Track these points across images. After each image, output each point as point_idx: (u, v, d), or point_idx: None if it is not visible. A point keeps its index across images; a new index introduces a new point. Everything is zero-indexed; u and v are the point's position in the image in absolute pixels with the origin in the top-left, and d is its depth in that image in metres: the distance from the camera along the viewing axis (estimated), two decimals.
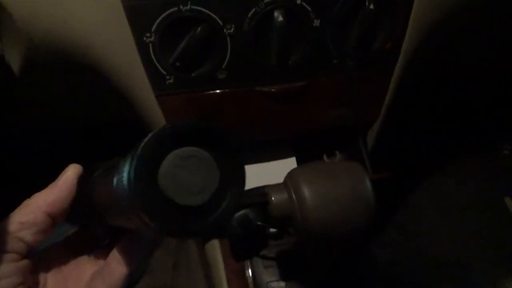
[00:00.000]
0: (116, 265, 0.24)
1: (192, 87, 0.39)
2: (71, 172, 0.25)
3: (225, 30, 0.36)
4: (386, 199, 0.40)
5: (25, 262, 0.23)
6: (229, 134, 0.21)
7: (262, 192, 0.35)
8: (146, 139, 0.19)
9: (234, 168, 0.21)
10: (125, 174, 0.19)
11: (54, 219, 0.24)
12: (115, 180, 0.20)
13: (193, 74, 0.38)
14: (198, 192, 0.19)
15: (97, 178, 0.25)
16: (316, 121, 0.44)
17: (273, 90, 0.41)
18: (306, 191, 0.32)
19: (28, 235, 0.23)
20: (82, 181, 0.26)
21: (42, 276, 0.25)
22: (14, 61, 0.38)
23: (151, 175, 0.19)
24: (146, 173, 0.19)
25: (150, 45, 0.36)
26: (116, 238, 0.26)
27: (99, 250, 0.27)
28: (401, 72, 0.43)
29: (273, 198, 0.33)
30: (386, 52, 0.41)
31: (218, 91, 0.40)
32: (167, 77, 0.38)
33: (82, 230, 0.28)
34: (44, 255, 0.26)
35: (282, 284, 0.45)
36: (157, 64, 0.37)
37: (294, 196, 0.33)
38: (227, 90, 0.40)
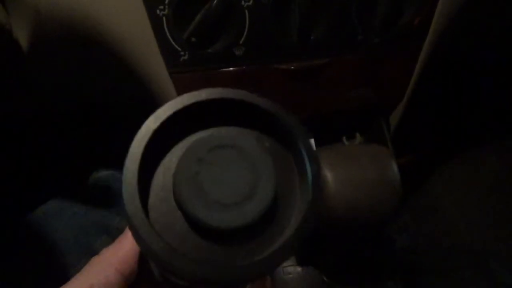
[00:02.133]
0: None
1: (208, 64, 0.37)
2: None
3: (243, 3, 0.34)
4: (403, 184, 0.39)
5: None
6: (290, 115, 0.13)
7: None
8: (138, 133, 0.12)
9: (301, 167, 0.13)
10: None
11: (126, 278, 0.20)
12: None
13: (209, 50, 0.36)
14: (239, 205, 0.12)
15: None
16: (337, 101, 0.42)
17: (292, 68, 0.38)
18: (329, 175, 0.31)
19: None
20: None
21: None
22: (22, 36, 0.37)
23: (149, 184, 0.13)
24: (142, 183, 0.12)
25: (164, 18, 0.34)
26: None
27: None
28: (429, 50, 0.40)
29: None
30: (415, 28, 0.38)
31: (234, 68, 0.38)
32: (182, 53, 0.36)
33: None
34: None
35: (299, 269, 0.44)
36: (171, 39, 0.35)
37: None
38: (244, 67, 0.38)
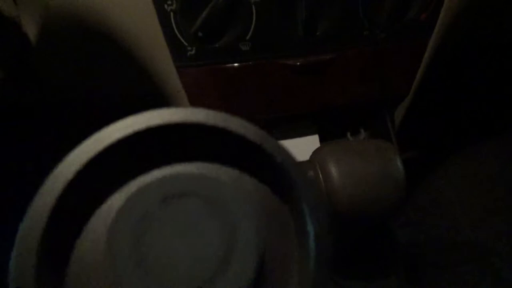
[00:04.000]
0: None
1: (215, 59, 0.37)
2: None
3: None
4: (406, 179, 0.39)
5: None
6: (283, 149, 0.09)
7: None
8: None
9: (300, 223, 0.09)
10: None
11: None
12: None
13: (215, 45, 0.36)
14: (204, 285, 0.08)
15: None
16: (342, 96, 0.42)
17: (298, 63, 0.39)
18: (333, 169, 0.31)
19: None
20: None
21: None
22: (31, 30, 0.37)
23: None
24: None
25: (172, 13, 0.34)
26: None
27: None
28: (435, 46, 0.40)
29: None
30: (421, 23, 0.38)
31: (241, 63, 0.38)
32: (189, 48, 0.36)
33: None
34: None
35: None
36: (179, 34, 0.35)
37: (320, 175, 0.32)
38: (250, 62, 0.38)
